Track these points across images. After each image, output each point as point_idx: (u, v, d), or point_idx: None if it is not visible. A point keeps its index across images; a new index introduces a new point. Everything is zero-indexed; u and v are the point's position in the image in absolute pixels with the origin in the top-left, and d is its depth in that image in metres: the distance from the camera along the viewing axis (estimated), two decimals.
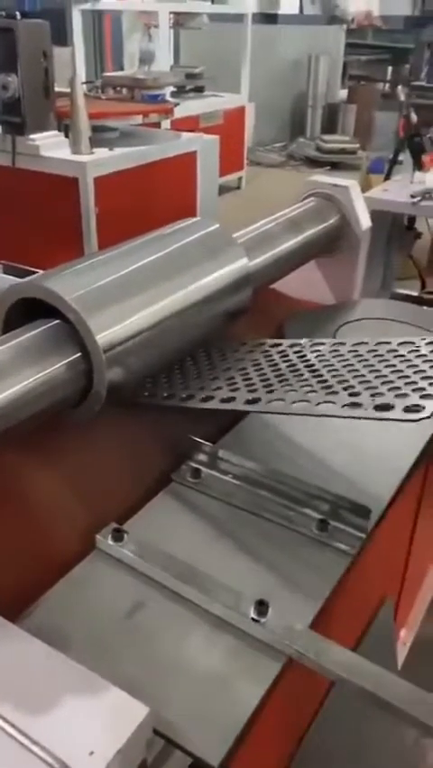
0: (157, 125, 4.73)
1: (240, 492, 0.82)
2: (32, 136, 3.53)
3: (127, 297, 0.81)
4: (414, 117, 3.87)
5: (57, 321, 0.80)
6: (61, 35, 5.05)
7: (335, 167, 7.57)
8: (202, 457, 0.85)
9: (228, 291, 0.94)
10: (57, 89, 3.77)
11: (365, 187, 4.37)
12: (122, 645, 0.63)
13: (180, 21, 6.05)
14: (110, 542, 0.72)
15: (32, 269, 3.88)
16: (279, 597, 0.67)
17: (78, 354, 0.78)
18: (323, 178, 1.46)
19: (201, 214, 4.46)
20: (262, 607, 0.65)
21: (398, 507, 0.87)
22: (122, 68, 6.54)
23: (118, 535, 0.72)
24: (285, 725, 0.83)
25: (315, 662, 0.61)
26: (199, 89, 6.15)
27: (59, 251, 3.71)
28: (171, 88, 5.37)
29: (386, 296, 2.53)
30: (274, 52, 7.86)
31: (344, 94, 8.73)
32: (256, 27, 6.69)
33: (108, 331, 0.77)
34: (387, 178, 3.89)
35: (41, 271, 3.36)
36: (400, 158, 4.03)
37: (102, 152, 3.63)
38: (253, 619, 0.64)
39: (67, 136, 3.65)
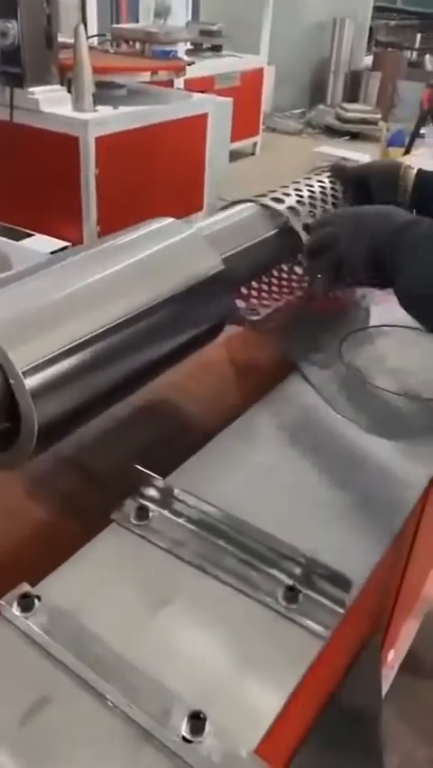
0: (170, 84, 4.48)
1: (193, 543, 0.66)
2: (31, 89, 3.31)
3: (62, 324, 0.64)
4: None
5: None
6: None
7: (354, 137, 7.28)
8: (152, 493, 0.69)
9: (194, 307, 0.77)
10: (61, 40, 3.54)
11: None
12: (12, 762, 0.48)
13: None
14: (15, 611, 0.56)
15: (28, 230, 3.68)
16: (224, 700, 0.52)
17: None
18: (332, 149, 1.28)
19: (210, 180, 4.23)
20: (196, 721, 0.49)
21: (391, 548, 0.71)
22: (137, 22, 6.23)
23: (26, 603, 0.56)
24: None
25: None
26: (217, 48, 5.86)
27: (56, 215, 3.52)
28: (186, 45, 5.10)
29: None
30: (297, 13, 7.50)
31: (368, 60, 8.35)
32: None
33: (36, 363, 0.60)
34: (407, 152, 3.66)
35: (36, 234, 3.13)
36: (422, 131, 3.81)
37: (106, 110, 3.42)
38: (183, 738, 0.49)
39: (70, 91, 3.43)
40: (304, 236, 0.95)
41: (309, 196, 1.00)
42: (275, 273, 1.06)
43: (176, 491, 0.68)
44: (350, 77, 8.22)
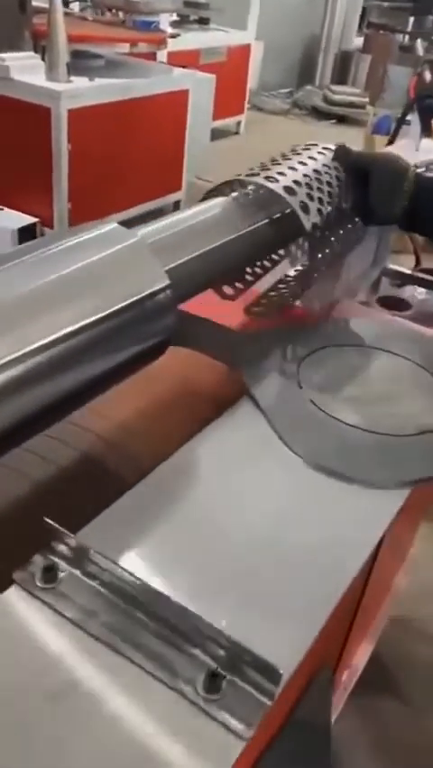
0: (151, 57, 4.31)
1: (106, 613, 0.57)
2: (2, 55, 3.16)
3: None
4: (428, 75, 3.50)
5: None
6: None
7: (341, 120, 7.15)
8: (63, 549, 0.60)
9: (129, 328, 0.68)
10: (37, 4, 3.38)
11: (367, 147, 4.02)
12: None
13: None
14: None
15: None
16: None
17: None
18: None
19: (189, 159, 4.10)
20: None
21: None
22: None
23: None
24: None
25: None
26: (204, 21, 5.66)
27: (26, 189, 3.37)
28: (171, 17, 4.92)
29: (377, 271, 2.27)
30: None
31: (359, 42, 8.18)
32: None
33: None
34: (391, 141, 3.54)
35: (5, 209, 2.98)
36: (408, 118, 3.68)
37: (81, 82, 3.27)
38: None
39: (44, 59, 3.27)
40: (307, 223, 0.86)
41: (318, 188, 0.90)
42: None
43: (91, 552, 0.59)
44: (340, 58, 8.06)
